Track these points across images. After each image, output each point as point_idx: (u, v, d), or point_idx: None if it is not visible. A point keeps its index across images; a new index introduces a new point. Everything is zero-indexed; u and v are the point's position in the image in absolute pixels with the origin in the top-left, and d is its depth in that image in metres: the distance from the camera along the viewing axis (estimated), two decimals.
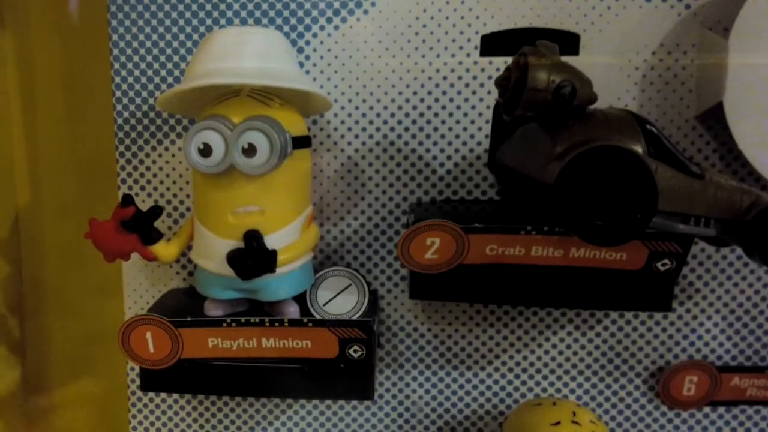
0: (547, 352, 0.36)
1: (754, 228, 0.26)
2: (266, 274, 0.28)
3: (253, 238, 0.28)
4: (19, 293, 0.41)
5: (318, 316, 0.31)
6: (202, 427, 0.38)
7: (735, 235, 0.27)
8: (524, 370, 0.36)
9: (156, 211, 0.30)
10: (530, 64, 0.25)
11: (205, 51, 0.28)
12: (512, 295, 0.30)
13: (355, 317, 0.30)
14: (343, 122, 0.34)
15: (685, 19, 0.32)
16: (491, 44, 0.33)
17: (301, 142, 0.29)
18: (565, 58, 0.26)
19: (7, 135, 0.40)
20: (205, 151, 0.27)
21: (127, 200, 0.29)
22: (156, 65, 0.34)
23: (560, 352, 0.36)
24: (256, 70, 0.27)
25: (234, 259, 0.28)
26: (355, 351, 0.30)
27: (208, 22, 0.34)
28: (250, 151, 0.27)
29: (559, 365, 0.36)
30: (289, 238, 0.29)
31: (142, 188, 0.35)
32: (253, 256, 0.28)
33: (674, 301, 0.34)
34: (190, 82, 0.27)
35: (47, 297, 0.42)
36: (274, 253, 0.28)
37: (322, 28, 0.33)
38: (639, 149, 0.25)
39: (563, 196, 0.25)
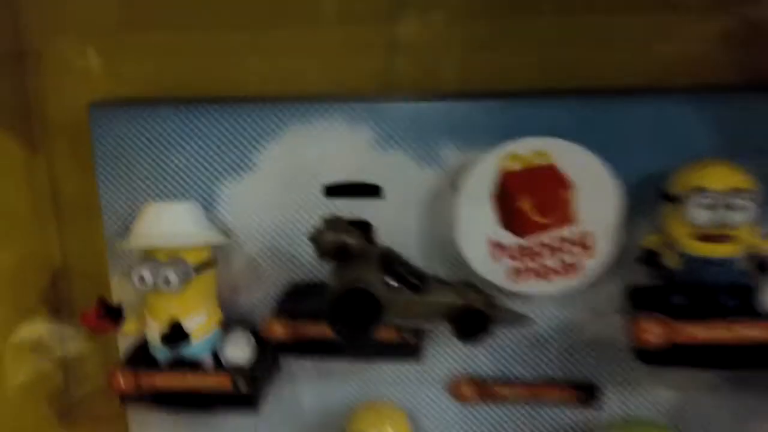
0: None
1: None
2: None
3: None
4: None
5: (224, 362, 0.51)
6: None
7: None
8: None
9: (119, 310, 0.50)
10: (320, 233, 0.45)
11: (141, 219, 0.48)
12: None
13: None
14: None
15: None
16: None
17: (203, 268, 0.49)
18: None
19: None
20: (142, 280, 0.47)
21: (101, 302, 0.50)
22: None
23: None
24: (168, 234, 0.47)
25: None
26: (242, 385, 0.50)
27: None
28: (167, 281, 0.47)
29: None
30: (201, 320, 0.49)
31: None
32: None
33: None
34: (130, 240, 0.47)
35: None
36: None
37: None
38: (373, 280, 0.44)
39: (331, 317, 0.45)
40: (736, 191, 0.42)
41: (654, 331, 0.44)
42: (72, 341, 0.62)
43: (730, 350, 0.44)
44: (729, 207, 0.42)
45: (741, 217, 0.42)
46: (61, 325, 0.61)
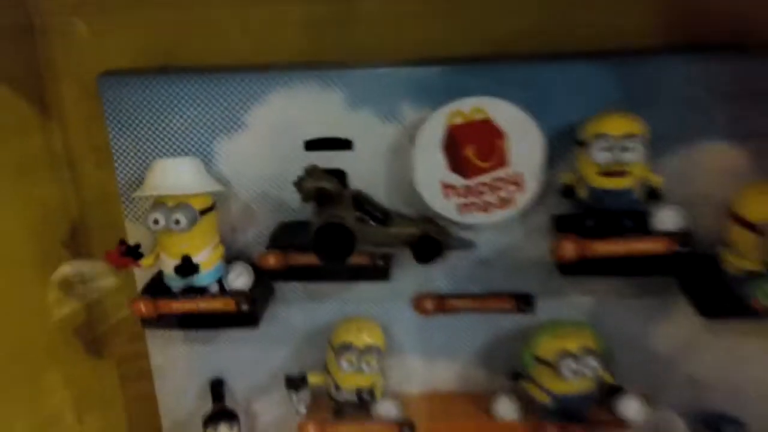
0: None
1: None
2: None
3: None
4: None
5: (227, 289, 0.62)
6: None
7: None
8: None
9: (137, 247, 0.60)
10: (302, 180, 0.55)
11: (151, 172, 0.58)
12: None
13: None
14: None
15: None
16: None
17: (206, 211, 0.59)
18: None
19: None
20: (156, 222, 0.57)
21: (122, 243, 0.60)
22: None
23: None
24: (176, 184, 0.57)
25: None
26: (244, 306, 0.61)
27: None
28: (177, 222, 0.57)
29: None
30: (207, 255, 0.60)
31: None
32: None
33: None
34: (144, 190, 0.57)
35: None
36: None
37: None
38: (347, 216, 0.55)
39: (314, 246, 0.55)
40: (629, 136, 0.53)
41: (569, 248, 0.57)
42: (94, 280, 0.72)
43: (629, 261, 0.57)
44: (624, 149, 0.53)
45: (633, 156, 0.53)
46: (83, 267, 0.71)
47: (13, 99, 0.63)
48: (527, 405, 0.66)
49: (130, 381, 0.76)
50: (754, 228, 0.52)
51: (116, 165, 0.64)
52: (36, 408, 0.67)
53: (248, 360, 0.70)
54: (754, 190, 0.54)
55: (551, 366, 0.61)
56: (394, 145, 0.61)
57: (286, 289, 0.67)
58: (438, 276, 0.66)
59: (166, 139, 0.62)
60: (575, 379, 0.61)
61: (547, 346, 0.62)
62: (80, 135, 0.67)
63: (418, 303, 0.66)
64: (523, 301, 0.65)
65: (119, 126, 0.62)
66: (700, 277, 0.59)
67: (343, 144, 0.60)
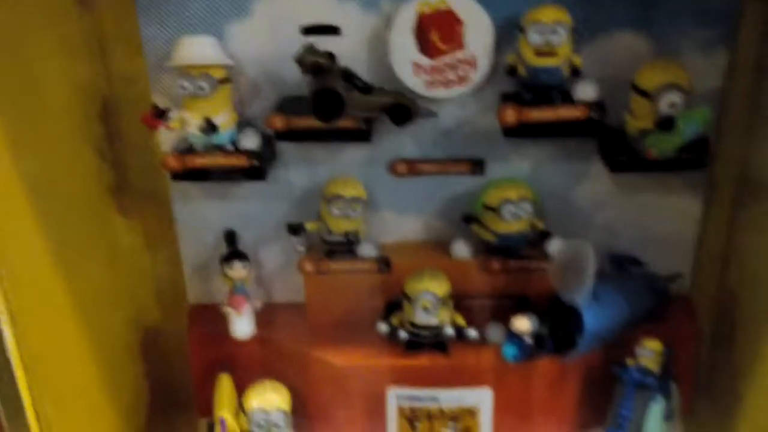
0: None
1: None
2: None
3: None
4: None
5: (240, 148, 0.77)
6: None
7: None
8: None
9: (166, 110, 0.74)
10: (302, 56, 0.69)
11: (178, 47, 0.72)
12: None
13: None
14: None
15: None
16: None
17: (223, 82, 0.73)
18: None
19: None
20: (183, 88, 0.71)
21: (154, 107, 0.74)
22: None
23: None
24: (199, 56, 0.71)
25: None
26: (254, 161, 0.77)
27: None
28: (201, 88, 0.71)
29: None
30: (224, 118, 0.75)
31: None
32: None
33: None
34: (174, 61, 0.71)
35: None
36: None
37: None
38: (338, 85, 0.70)
39: (315, 104, 0.70)
40: (558, 22, 0.68)
41: (511, 113, 0.72)
42: (124, 144, 0.86)
43: (557, 125, 0.73)
44: (553, 32, 0.68)
45: (560, 39, 0.69)
46: (115, 132, 0.85)
47: None
48: (477, 247, 0.84)
49: (155, 234, 0.92)
50: (647, 95, 0.68)
51: (144, 47, 0.77)
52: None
53: (256, 213, 0.86)
54: (649, 66, 0.70)
55: (495, 210, 0.78)
56: (374, 31, 0.75)
57: (287, 153, 0.82)
58: (408, 144, 0.81)
59: (186, 23, 0.75)
60: (513, 221, 0.79)
61: (493, 196, 0.79)
62: (113, 21, 0.80)
63: (392, 167, 0.82)
64: (477, 165, 0.82)
65: (148, 13, 0.75)
66: (611, 142, 0.76)
67: (333, 30, 0.74)
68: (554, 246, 0.80)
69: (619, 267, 0.85)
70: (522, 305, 0.81)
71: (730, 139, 0.80)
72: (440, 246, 0.86)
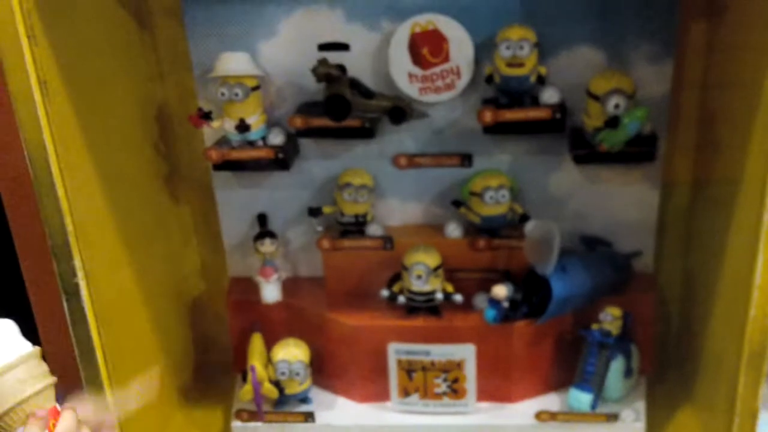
0: None
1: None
2: None
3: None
4: None
5: (269, 144, 0.94)
6: None
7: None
8: None
9: (209, 112, 0.92)
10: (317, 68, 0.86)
11: (218, 61, 0.90)
12: None
13: None
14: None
15: None
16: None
17: (255, 89, 0.90)
18: None
19: None
20: (222, 94, 0.89)
21: (199, 109, 0.92)
22: None
23: None
24: (235, 69, 0.89)
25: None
26: (280, 155, 0.94)
27: None
28: (236, 94, 0.89)
29: None
30: (256, 119, 0.92)
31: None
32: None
33: None
34: (216, 72, 0.89)
35: None
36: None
37: None
38: (346, 91, 0.86)
39: (327, 107, 0.87)
40: (524, 39, 0.83)
41: (488, 114, 0.87)
42: (175, 141, 1.04)
43: (527, 124, 0.88)
44: (520, 47, 0.83)
45: (526, 53, 0.83)
46: (168, 131, 1.03)
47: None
48: (466, 228, 0.99)
49: (200, 217, 1.10)
50: (597, 98, 0.83)
51: (192, 62, 0.95)
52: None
53: (282, 199, 1.02)
54: (599, 75, 0.84)
55: (479, 195, 0.93)
56: (376, 47, 0.91)
57: (308, 149, 0.99)
58: (408, 141, 0.97)
59: (225, 42, 0.93)
60: (494, 205, 0.94)
61: (477, 184, 0.94)
62: (168, 42, 0.98)
63: (395, 160, 0.98)
64: (465, 159, 0.97)
65: (195, 35, 0.93)
66: (575, 140, 0.90)
67: (343, 46, 0.91)
68: (530, 227, 0.95)
69: (588, 247, 0.99)
70: (505, 277, 0.96)
71: (681, 136, 0.93)
72: (436, 228, 1.01)
